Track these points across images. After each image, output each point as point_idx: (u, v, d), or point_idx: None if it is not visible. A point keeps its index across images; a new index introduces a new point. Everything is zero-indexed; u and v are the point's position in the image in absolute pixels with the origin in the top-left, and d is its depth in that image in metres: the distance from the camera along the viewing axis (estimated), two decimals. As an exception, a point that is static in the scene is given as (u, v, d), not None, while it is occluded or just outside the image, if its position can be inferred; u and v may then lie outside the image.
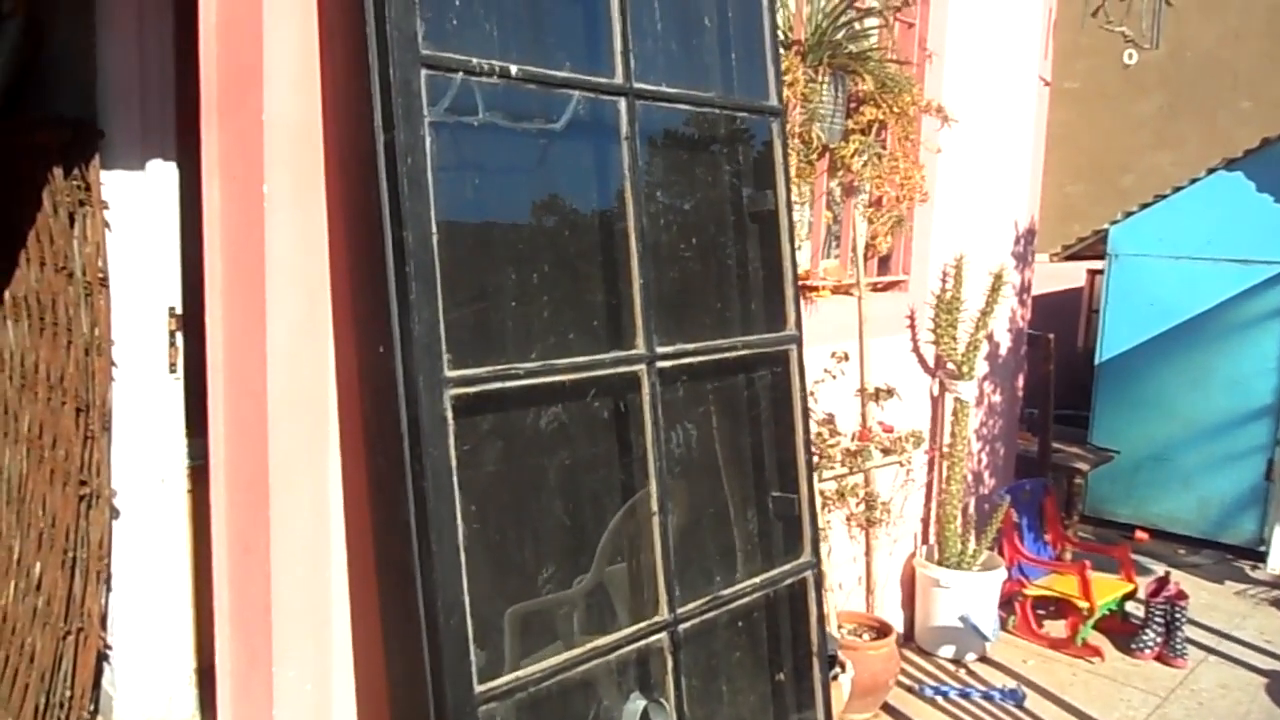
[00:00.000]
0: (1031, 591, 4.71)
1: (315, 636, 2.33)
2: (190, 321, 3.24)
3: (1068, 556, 5.13)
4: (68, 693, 3.19)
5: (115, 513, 3.30)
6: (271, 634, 2.28)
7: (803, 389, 2.94)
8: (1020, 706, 4.06)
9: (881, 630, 3.97)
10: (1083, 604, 4.53)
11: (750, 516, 2.93)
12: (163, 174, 3.27)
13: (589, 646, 2.35)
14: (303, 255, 2.20)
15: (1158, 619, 4.57)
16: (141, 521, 3.34)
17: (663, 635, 2.51)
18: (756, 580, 2.81)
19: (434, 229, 2.05)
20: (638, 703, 2.58)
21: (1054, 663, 4.49)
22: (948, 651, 4.45)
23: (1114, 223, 6.49)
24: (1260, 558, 5.83)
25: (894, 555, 4.50)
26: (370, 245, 2.04)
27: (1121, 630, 4.73)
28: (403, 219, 1.99)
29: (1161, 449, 6.22)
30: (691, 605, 2.60)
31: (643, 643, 2.47)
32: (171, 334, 3.37)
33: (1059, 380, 5.67)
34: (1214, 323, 5.96)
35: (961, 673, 4.36)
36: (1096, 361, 6.46)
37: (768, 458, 2.96)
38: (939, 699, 4.09)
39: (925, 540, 4.73)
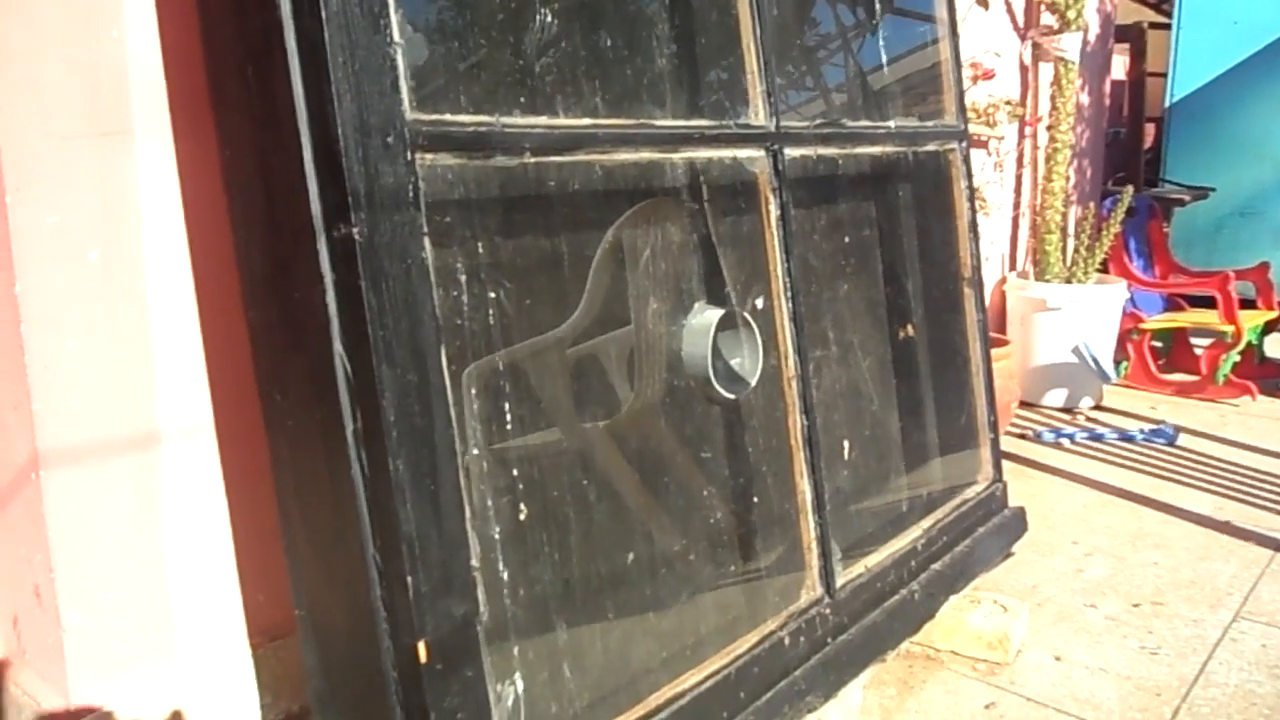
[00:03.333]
0: (1149, 326, 3.64)
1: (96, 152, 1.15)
2: None
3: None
4: None
5: None
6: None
7: None
8: (1173, 445, 3.01)
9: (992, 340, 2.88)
10: (1225, 329, 3.47)
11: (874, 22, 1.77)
12: None
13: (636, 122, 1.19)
14: None
15: (1311, 350, 3.55)
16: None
17: (760, 153, 1.36)
18: (891, 125, 1.66)
19: None
20: (709, 313, 1.44)
21: (1189, 408, 3.44)
22: (1056, 398, 3.38)
23: (1188, -76, 5.34)
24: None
25: (989, 261, 3.40)
26: None
27: (1258, 374, 3.69)
28: None
29: (1249, 200, 5.16)
30: (802, 132, 1.44)
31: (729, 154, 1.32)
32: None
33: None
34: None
35: (1080, 420, 3.30)
36: (1167, 102, 5.35)
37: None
38: (1065, 443, 3.03)
39: (1013, 266, 3.63)
